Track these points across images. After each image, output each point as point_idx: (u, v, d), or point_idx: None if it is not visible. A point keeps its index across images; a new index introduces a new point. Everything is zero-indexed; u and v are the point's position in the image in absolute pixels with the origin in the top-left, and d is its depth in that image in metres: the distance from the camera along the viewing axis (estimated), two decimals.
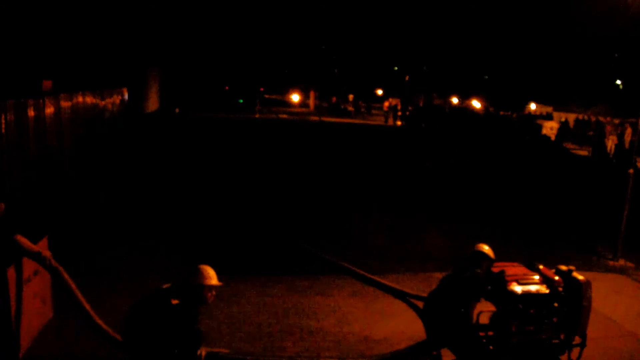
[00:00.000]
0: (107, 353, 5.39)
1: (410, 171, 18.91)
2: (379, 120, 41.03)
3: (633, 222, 10.22)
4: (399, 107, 40.91)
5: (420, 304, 5.69)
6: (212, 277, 4.66)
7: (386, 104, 42.85)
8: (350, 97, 51.14)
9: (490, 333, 5.21)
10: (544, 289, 5.05)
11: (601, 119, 32.04)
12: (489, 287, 5.12)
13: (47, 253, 5.37)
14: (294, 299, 7.30)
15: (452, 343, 5.13)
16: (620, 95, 37.42)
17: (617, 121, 30.09)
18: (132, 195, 12.76)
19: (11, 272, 5.27)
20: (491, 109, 43.67)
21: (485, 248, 5.23)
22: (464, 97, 50.17)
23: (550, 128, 30.27)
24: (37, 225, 6.81)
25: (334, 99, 49.23)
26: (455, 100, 49.80)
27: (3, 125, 12.30)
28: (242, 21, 49.38)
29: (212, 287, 4.64)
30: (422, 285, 8.00)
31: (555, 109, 39.44)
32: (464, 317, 4.96)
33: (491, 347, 5.08)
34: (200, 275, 4.62)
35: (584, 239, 11.22)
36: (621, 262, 9.78)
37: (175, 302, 4.46)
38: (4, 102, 12.37)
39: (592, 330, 5.31)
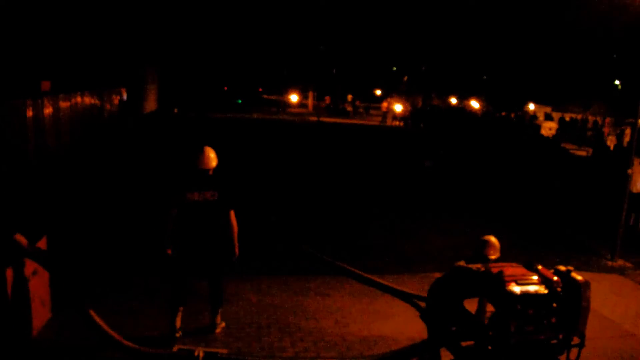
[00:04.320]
0: (107, 353, 5.39)
1: (409, 171, 18.92)
2: (377, 121, 41.05)
3: (632, 222, 10.25)
4: (397, 107, 40.92)
5: (421, 304, 5.70)
6: (211, 158, 5.80)
7: (384, 104, 42.87)
8: (349, 97, 51.20)
9: (489, 333, 5.22)
10: (542, 290, 5.05)
11: (599, 119, 32.11)
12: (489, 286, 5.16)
13: (45, 253, 5.38)
14: (293, 300, 7.30)
15: (457, 342, 5.15)
16: (619, 96, 37.47)
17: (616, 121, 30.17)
18: (130, 195, 12.75)
19: (10, 272, 5.26)
20: (490, 108, 43.72)
21: (492, 239, 5.49)
22: (463, 97, 50.23)
23: (549, 128, 30.32)
24: (37, 225, 6.82)
25: (328, 98, 49.21)
26: (454, 100, 49.85)
27: (2, 126, 12.30)
28: (240, 21, 49.35)
29: (210, 167, 5.79)
30: (422, 285, 8.01)
31: (554, 109, 39.51)
32: (478, 315, 5.02)
33: (490, 347, 5.08)
34: (199, 159, 5.76)
35: (582, 239, 11.24)
36: (620, 262, 9.80)
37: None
38: (3, 102, 12.38)
39: (590, 331, 5.31)
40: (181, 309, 5.95)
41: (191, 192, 5.80)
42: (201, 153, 5.80)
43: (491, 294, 5.14)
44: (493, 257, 5.48)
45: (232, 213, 5.96)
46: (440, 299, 5.30)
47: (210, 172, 5.88)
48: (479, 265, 5.14)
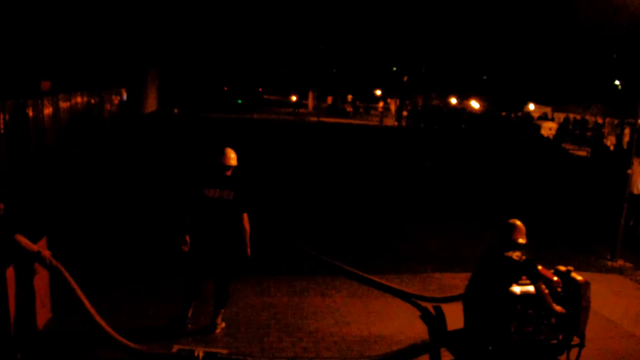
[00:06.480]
0: (107, 353, 5.39)
1: (410, 171, 18.92)
2: (377, 121, 41.07)
3: (632, 223, 10.23)
4: (396, 107, 41.00)
5: (421, 304, 5.70)
6: (232, 158, 6.04)
7: (381, 104, 42.89)
8: (349, 97, 51.22)
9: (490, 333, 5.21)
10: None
11: (599, 119, 32.09)
12: None
13: (47, 253, 5.38)
14: (293, 300, 7.30)
15: (457, 342, 5.14)
16: (619, 96, 37.42)
17: (616, 121, 30.15)
18: (130, 195, 12.75)
19: (11, 272, 5.26)
20: (490, 108, 43.68)
21: (519, 223, 5.25)
22: (463, 97, 50.19)
23: (549, 129, 30.33)
24: (37, 225, 6.81)
25: (330, 99, 49.28)
26: (454, 100, 49.83)
27: (2, 125, 12.31)
28: (240, 22, 49.41)
29: (230, 166, 6.02)
30: (422, 285, 8.01)
31: (554, 110, 39.50)
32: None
33: (490, 348, 5.09)
34: (221, 155, 6.00)
35: (582, 240, 11.24)
36: (620, 262, 9.80)
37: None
38: (3, 102, 12.39)
39: (590, 331, 5.32)
40: (193, 303, 6.16)
41: (208, 188, 5.96)
42: (223, 151, 6.06)
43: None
44: (522, 241, 5.21)
45: (246, 216, 6.03)
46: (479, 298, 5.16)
47: (229, 173, 6.07)
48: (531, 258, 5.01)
